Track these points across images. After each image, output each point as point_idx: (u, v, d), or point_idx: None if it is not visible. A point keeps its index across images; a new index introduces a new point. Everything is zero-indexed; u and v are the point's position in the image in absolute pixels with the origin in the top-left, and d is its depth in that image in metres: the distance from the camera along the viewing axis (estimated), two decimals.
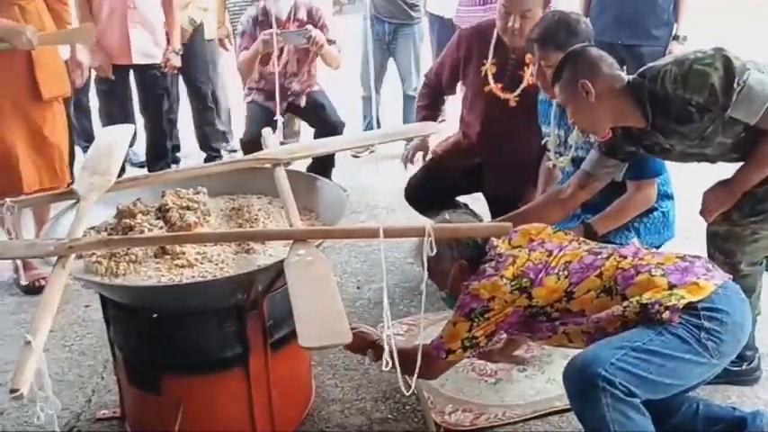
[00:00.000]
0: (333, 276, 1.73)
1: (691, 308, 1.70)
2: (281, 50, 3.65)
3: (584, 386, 1.67)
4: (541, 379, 2.35)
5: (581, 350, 1.77)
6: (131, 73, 4.05)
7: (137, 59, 3.90)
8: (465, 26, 4.36)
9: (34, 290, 3.11)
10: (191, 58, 4.08)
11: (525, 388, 2.31)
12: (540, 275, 1.87)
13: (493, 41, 2.90)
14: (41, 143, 2.98)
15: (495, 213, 2.95)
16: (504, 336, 2.31)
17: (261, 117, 3.64)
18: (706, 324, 1.69)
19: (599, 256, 1.88)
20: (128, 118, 4.01)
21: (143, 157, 4.46)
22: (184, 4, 4.21)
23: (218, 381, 2.01)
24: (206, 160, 4.64)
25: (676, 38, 3.70)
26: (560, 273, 1.87)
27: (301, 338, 1.45)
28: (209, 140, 4.62)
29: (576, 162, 2.48)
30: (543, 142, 2.63)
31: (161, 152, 4.31)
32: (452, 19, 4.64)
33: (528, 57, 2.73)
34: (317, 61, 3.84)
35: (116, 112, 4.00)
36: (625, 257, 1.86)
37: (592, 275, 1.84)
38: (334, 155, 3.60)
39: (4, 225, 2.94)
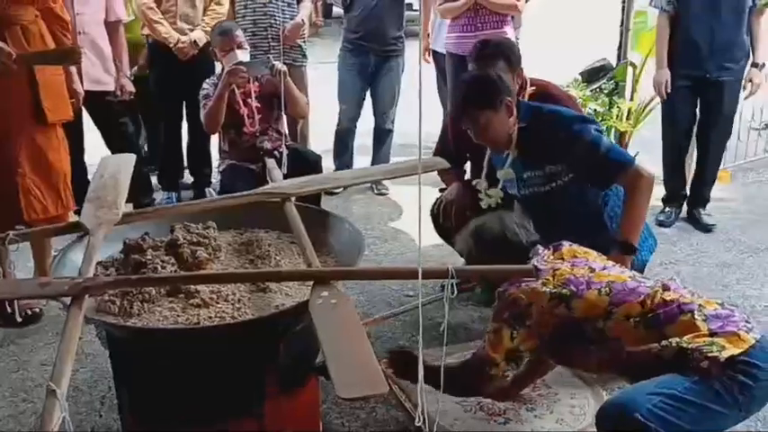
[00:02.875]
0: (358, 318, 1.71)
1: (728, 360, 1.72)
2: (246, 100, 3.59)
3: (618, 430, 1.68)
4: (551, 419, 2.34)
5: (614, 394, 1.77)
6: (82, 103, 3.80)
7: (87, 86, 3.70)
8: (457, 53, 4.40)
9: (23, 320, 3.01)
10: (199, 80, 3.97)
11: (535, 428, 2.30)
12: (582, 287, 1.89)
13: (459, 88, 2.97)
14: (47, 168, 2.89)
15: None
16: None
17: (241, 173, 3.52)
18: (740, 378, 1.70)
19: (643, 284, 1.90)
20: (81, 149, 3.90)
21: None
22: (191, 23, 4.16)
23: (232, 425, 1.95)
24: (195, 183, 4.57)
25: (755, 65, 3.87)
26: (602, 289, 1.88)
27: (339, 389, 1.42)
28: (203, 165, 4.55)
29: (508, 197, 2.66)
30: (473, 183, 2.75)
31: (143, 183, 4.23)
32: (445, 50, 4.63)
33: None
34: (283, 118, 3.79)
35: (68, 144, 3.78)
36: (668, 289, 1.87)
37: (634, 301, 1.84)
38: None
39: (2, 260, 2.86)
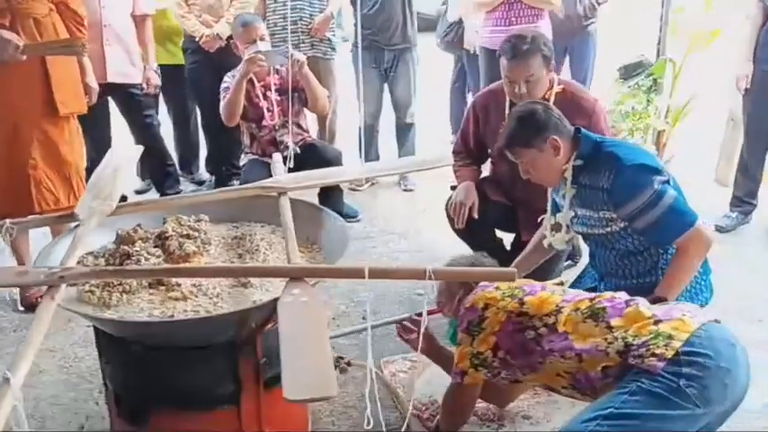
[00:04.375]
0: (326, 319, 1.68)
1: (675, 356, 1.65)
2: (266, 93, 3.61)
3: None
4: (546, 427, 2.25)
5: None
6: (107, 94, 3.89)
7: (112, 78, 3.80)
8: (490, 48, 4.31)
9: (36, 306, 3.07)
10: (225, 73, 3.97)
11: None
12: (536, 289, 1.94)
13: (507, 102, 2.88)
14: (58, 160, 2.93)
15: None
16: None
17: (259, 167, 3.54)
18: (685, 370, 1.62)
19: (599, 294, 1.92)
20: (107, 140, 3.95)
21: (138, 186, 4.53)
22: (216, 15, 4.18)
23: (208, 418, 1.94)
24: (225, 175, 4.60)
25: None
26: (556, 291, 1.93)
27: (286, 390, 1.39)
28: (230, 156, 4.57)
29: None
30: (539, 219, 2.57)
31: (167, 173, 4.30)
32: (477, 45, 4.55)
33: None
34: (304, 112, 3.77)
35: (95, 135, 3.79)
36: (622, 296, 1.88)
37: (585, 298, 1.87)
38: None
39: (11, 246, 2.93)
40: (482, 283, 1.98)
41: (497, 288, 1.94)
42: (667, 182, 2.21)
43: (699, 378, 1.61)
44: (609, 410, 1.62)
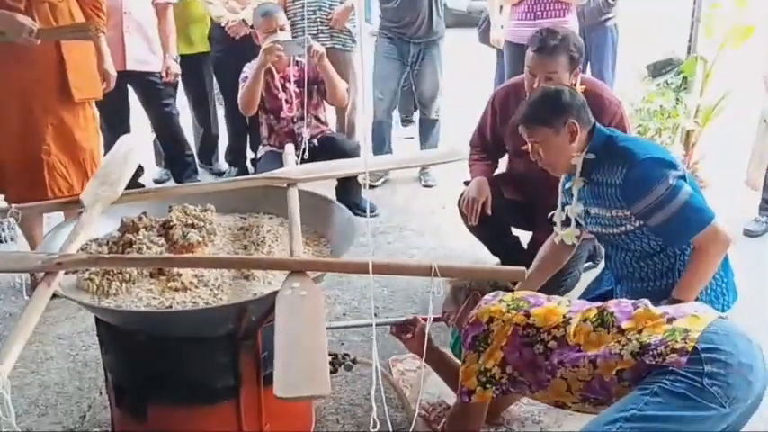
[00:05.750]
0: (323, 314, 1.62)
1: (692, 352, 1.58)
2: (285, 84, 3.57)
3: None
4: None
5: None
6: (127, 82, 3.89)
7: (131, 66, 3.78)
8: (515, 42, 4.22)
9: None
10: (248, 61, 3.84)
11: None
12: (541, 300, 1.88)
13: (527, 97, 2.78)
14: (72, 146, 2.91)
15: None
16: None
17: (276, 159, 3.47)
18: (708, 368, 1.55)
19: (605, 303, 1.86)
20: (126, 128, 3.91)
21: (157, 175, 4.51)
22: (242, 2, 4.15)
23: (207, 412, 1.90)
24: (245, 166, 4.57)
25: None
26: (562, 302, 1.88)
27: (277, 388, 1.33)
28: (244, 150, 4.54)
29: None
30: (549, 216, 2.47)
31: (185, 162, 4.27)
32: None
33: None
34: (324, 105, 3.73)
35: (114, 122, 3.79)
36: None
37: (592, 307, 1.82)
38: (356, 177, 3.51)
39: (23, 230, 2.91)
40: (485, 297, 1.92)
41: (501, 301, 1.87)
42: (683, 177, 2.12)
43: (722, 375, 1.55)
44: (631, 412, 1.55)
